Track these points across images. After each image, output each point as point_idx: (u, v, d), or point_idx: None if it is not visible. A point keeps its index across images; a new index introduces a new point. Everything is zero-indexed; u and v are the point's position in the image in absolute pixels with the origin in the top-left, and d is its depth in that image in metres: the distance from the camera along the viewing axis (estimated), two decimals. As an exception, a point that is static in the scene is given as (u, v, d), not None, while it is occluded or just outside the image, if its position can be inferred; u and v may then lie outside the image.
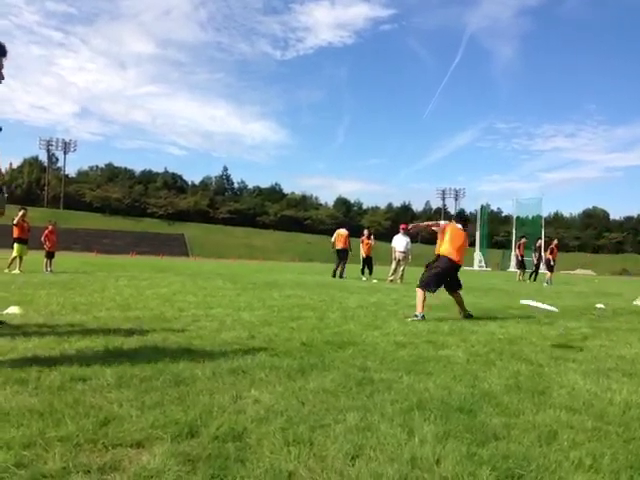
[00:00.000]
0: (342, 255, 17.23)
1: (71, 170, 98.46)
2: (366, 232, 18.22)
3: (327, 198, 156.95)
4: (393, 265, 15.63)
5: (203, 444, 1.97)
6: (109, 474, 1.72)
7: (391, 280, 15.33)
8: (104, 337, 4.08)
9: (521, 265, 23.31)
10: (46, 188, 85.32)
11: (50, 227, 15.51)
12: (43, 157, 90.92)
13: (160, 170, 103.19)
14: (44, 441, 1.92)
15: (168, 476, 1.70)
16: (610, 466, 1.90)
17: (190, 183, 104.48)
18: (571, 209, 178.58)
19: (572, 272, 61.06)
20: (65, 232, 25.16)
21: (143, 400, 2.45)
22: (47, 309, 5.77)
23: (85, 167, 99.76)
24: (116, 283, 10.17)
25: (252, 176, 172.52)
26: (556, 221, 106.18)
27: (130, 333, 4.35)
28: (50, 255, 14.78)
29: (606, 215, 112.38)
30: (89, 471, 1.72)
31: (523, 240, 23.88)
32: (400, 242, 15.69)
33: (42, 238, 15.15)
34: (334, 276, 16.94)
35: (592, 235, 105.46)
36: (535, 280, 22.03)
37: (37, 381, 2.74)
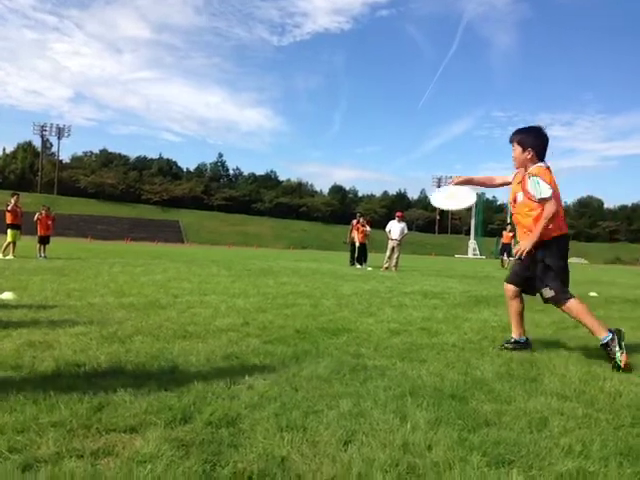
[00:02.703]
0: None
1: (65, 156, 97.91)
2: (362, 219, 17.51)
3: (322, 185, 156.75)
4: (388, 252, 15.64)
5: (197, 429, 1.98)
6: (102, 459, 1.72)
7: (386, 267, 15.35)
8: (98, 323, 4.08)
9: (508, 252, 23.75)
10: (40, 174, 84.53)
11: (43, 212, 15.41)
12: (37, 142, 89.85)
13: (155, 156, 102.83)
14: (37, 426, 1.92)
15: (161, 461, 1.70)
16: (600, 452, 1.92)
17: (185, 169, 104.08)
18: (566, 197, 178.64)
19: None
20: (59, 218, 25.06)
21: (137, 386, 2.45)
22: (41, 295, 5.76)
23: (79, 153, 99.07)
24: (110, 269, 10.15)
25: (247, 163, 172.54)
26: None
27: (124, 319, 4.35)
28: (43, 240, 14.70)
29: (600, 204, 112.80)
30: (82, 456, 1.72)
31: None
32: (395, 229, 15.69)
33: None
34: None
35: (586, 224, 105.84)
36: None
37: (31, 367, 2.75)
